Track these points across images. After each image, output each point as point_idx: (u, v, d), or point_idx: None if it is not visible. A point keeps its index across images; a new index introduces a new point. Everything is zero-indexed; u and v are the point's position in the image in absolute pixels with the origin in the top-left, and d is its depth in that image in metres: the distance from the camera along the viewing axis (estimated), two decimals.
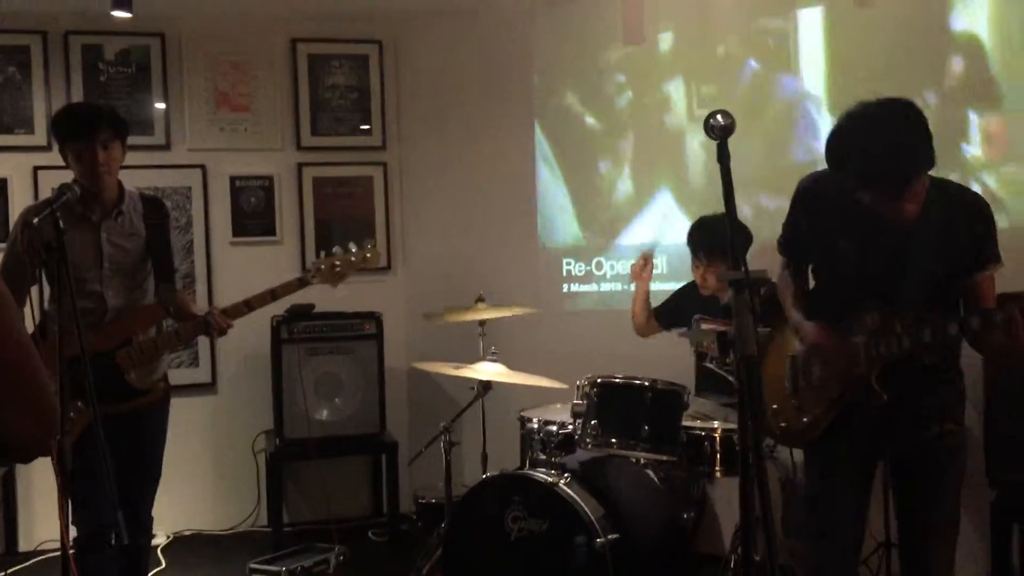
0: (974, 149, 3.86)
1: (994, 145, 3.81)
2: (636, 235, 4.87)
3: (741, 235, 3.63)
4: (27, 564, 4.80)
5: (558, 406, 4.05)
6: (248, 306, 3.43)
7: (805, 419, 2.79)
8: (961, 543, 2.75)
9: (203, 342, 5.22)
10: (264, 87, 5.38)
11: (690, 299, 4.06)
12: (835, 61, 4.24)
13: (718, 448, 3.55)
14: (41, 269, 3.27)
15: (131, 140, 3.42)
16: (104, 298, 3.31)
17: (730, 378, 3.57)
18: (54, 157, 3.61)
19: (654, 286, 4.33)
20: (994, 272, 2.64)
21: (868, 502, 2.84)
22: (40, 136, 5.02)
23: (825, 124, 4.15)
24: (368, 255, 3.59)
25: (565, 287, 5.11)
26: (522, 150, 5.21)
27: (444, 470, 4.04)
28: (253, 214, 5.38)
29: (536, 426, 3.86)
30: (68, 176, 3.25)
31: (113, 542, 2.48)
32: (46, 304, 3.81)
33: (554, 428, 3.78)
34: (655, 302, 4.27)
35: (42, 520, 5.00)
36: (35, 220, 2.81)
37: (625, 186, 4.95)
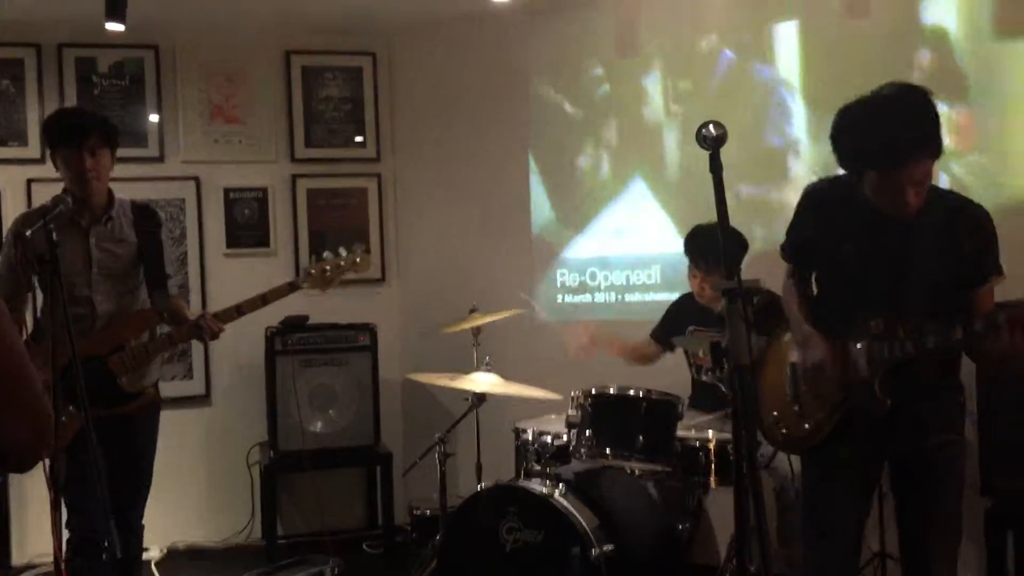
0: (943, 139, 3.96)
1: (962, 135, 3.89)
2: (629, 243, 4.88)
3: (736, 243, 3.65)
4: None
5: (553, 417, 4.05)
6: (239, 311, 3.43)
7: (807, 425, 2.79)
8: None
9: (197, 355, 5.22)
10: (258, 99, 5.38)
11: (685, 311, 4.04)
12: (809, 53, 4.32)
13: (713, 458, 3.53)
14: (35, 276, 3.27)
15: (125, 152, 3.43)
16: (93, 303, 3.31)
17: (723, 388, 3.57)
18: (48, 170, 3.61)
19: (649, 296, 4.32)
20: (996, 284, 2.64)
21: (868, 508, 2.84)
22: (34, 149, 5.02)
23: (799, 110, 4.22)
24: (358, 259, 3.59)
25: (559, 298, 5.12)
26: (516, 161, 5.22)
27: (439, 481, 4.03)
28: (247, 226, 5.37)
29: (531, 437, 3.86)
30: (61, 190, 3.26)
31: (105, 555, 2.47)
32: (39, 312, 3.81)
33: (549, 439, 3.77)
34: (650, 312, 4.26)
35: (35, 534, 4.96)
36: (28, 233, 2.83)
37: (602, 173, 5.00)
